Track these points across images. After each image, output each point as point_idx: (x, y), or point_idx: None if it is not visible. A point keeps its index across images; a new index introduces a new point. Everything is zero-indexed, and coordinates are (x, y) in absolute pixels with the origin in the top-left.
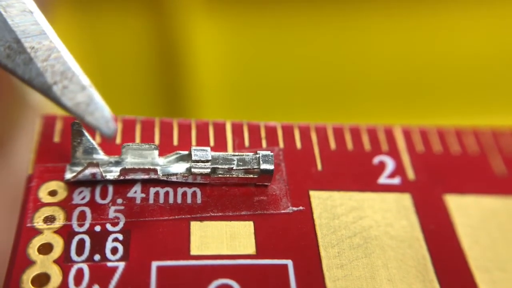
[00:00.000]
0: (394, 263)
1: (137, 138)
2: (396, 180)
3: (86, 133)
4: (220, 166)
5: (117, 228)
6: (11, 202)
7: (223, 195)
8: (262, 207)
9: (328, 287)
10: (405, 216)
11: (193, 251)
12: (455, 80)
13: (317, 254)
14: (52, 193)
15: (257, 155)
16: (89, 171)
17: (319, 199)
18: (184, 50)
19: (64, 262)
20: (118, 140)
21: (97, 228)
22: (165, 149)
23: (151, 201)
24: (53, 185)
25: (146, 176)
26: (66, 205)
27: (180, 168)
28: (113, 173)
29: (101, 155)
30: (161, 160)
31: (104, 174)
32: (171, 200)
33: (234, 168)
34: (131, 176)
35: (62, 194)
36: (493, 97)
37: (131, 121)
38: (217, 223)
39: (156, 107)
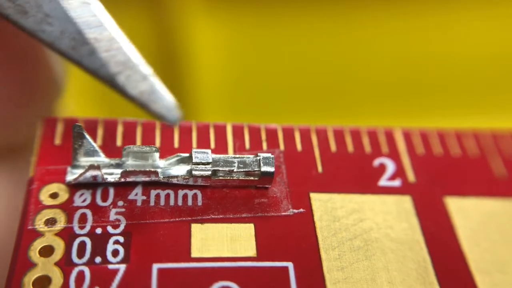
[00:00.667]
0: (394, 266)
1: (138, 141)
2: (396, 183)
3: (87, 136)
4: (220, 169)
5: (118, 231)
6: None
7: (224, 198)
8: (262, 209)
9: None
10: (405, 219)
11: (194, 254)
12: (455, 81)
13: (318, 256)
14: (53, 195)
15: (258, 157)
16: (90, 173)
17: (319, 201)
18: (184, 52)
19: (65, 264)
20: (119, 143)
21: (98, 231)
22: (166, 151)
23: (152, 203)
24: (54, 187)
25: (147, 179)
26: (67, 208)
27: (181, 170)
28: (114, 176)
29: (102, 158)
30: (162, 163)
31: (105, 177)
32: (172, 202)
33: (235, 170)
34: (132, 179)
35: (63, 197)
36: (494, 99)
37: (132, 124)
38: (217, 225)
39: None
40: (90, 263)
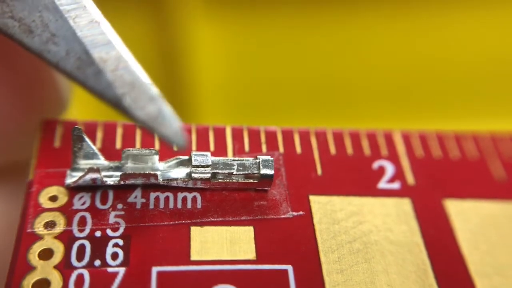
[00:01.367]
0: (394, 268)
1: (137, 143)
2: (395, 185)
3: (87, 138)
4: (220, 171)
5: (118, 234)
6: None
7: (223, 200)
8: (262, 212)
9: None
10: (405, 221)
11: (193, 256)
12: (455, 84)
13: (317, 259)
14: (53, 198)
15: (257, 160)
16: (89, 176)
17: (319, 204)
18: (184, 55)
19: (64, 267)
20: (118, 145)
21: (98, 234)
22: (165, 154)
23: (151, 206)
24: (53, 190)
25: (147, 181)
26: (67, 211)
27: (180, 173)
28: (114, 178)
29: (101, 160)
30: (161, 165)
31: (104, 179)
32: (171, 205)
33: (234, 173)
34: (131, 181)
35: (62, 200)
36: (493, 101)
37: (131, 126)
38: (217, 228)
39: None
40: (89, 266)
